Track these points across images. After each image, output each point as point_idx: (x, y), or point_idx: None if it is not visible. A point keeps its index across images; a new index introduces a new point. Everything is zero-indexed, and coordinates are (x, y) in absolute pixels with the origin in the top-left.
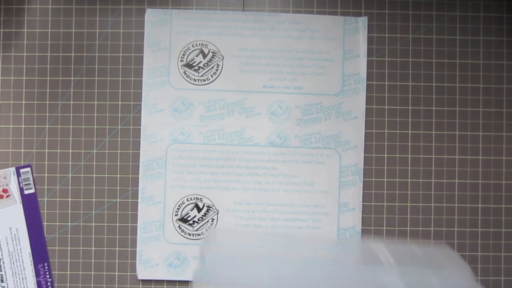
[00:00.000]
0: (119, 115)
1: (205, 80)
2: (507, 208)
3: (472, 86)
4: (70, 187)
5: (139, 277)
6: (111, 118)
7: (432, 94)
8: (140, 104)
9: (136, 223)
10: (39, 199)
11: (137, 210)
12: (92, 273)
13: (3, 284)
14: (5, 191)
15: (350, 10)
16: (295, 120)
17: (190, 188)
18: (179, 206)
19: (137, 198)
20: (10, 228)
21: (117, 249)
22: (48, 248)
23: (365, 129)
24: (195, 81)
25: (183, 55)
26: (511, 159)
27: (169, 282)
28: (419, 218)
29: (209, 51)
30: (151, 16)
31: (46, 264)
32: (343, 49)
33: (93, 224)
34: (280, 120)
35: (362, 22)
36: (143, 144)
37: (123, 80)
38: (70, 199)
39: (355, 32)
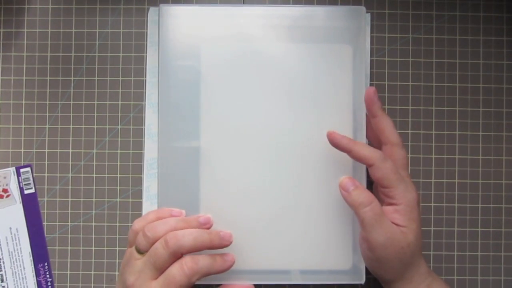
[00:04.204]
0: (119, 115)
1: None
2: (507, 208)
3: (472, 86)
4: (70, 187)
5: None
6: (111, 118)
7: (432, 94)
8: (141, 104)
9: None
10: (39, 199)
11: (138, 210)
12: (92, 273)
13: (3, 284)
14: (5, 191)
15: None
16: None
17: None
18: None
19: (138, 197)
20: (10, 228)
21: (117, 249)
22: (48, 248)
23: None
24: None
25: None
26: (511, 159)
27: None
28: None
29: None
30: (154, 15)
31: (46, 264)
32: None
33: (93, 224)
34: None
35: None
36: (147, 143)
37: (123, 80)
38: (70, 199)
39: None
